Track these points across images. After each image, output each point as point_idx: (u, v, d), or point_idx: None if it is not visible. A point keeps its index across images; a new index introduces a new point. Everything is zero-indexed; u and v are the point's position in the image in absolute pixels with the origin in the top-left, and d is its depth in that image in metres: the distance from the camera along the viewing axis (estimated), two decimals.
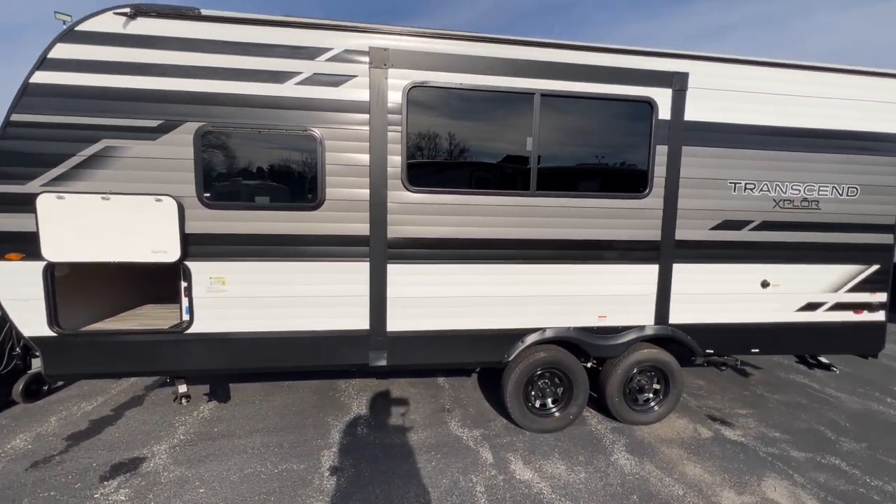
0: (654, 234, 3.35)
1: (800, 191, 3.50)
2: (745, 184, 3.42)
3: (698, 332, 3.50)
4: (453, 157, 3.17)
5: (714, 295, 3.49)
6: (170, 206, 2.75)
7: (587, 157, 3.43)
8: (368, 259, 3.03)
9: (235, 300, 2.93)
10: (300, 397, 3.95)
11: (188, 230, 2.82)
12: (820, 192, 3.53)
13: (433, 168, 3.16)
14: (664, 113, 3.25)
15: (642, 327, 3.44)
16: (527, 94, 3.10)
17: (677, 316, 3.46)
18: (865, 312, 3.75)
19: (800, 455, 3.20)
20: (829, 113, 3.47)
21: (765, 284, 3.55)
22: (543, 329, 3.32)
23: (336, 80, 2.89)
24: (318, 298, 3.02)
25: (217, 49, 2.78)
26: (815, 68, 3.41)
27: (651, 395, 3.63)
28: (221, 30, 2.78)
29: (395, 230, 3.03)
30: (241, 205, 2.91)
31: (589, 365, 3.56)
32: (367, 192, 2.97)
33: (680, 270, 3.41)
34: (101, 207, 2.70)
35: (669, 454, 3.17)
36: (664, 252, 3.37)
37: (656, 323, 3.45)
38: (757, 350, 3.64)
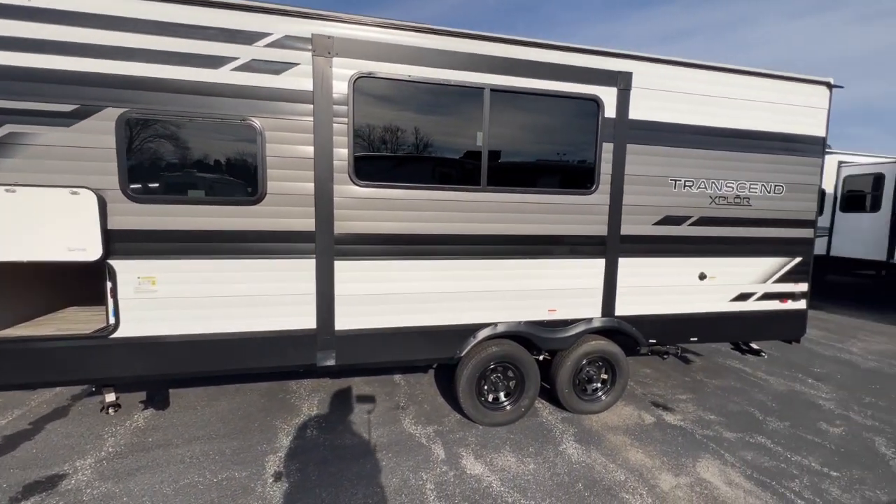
0: (601, 229, 3.45)
1: (733, 188, 3.72)
2: (685, 181, 3.59)
3: (642, 323, 3.66)
4: (403, 150, 3.10)
5: (656, 287, 3.65)
6: (88, 199, 2.51)
7: (537, 153, 3.46)
8: (314, 256, 2.91)
9: (168, 301, 2.73)
10: (247, 401, 3.77)
11: (111, 226, 2.59)
12: (751, 190, 3.77)
13: (382, 162, 3.08)
14: (610, 111, 3.33)
15: (590, 320, 3.54)
16: (477, 89, 3.08)
17: (623, 308, 3.59)
18: (790, 301, 4.06)
19: (731, 436, 3.42)
20: (759, 115, 3.70)
21: (702, 277, 3.76)
22: (495, 324, 3.34)
23: (276, 68, 2.74)
24: (260, 298, 2.87)
25: (142, 29, 2.55)
26: (745, 73, 3.61)
27: (599, 385, 3.75)
28: (147, 7, 2.55)
29: (342, 226, 2.93)
30: (173, 198, 2.70)
31: (541, 358, 3.64)
32: (311, 185, 2.85)
33: (625, 264, 3.54)
34: (5, 201, 2.42)
35: (615, 441, 3.29)
36: (610, 246, 3.48)
37: (603, 315, 3.56)
38: (696, 339, 3.86)
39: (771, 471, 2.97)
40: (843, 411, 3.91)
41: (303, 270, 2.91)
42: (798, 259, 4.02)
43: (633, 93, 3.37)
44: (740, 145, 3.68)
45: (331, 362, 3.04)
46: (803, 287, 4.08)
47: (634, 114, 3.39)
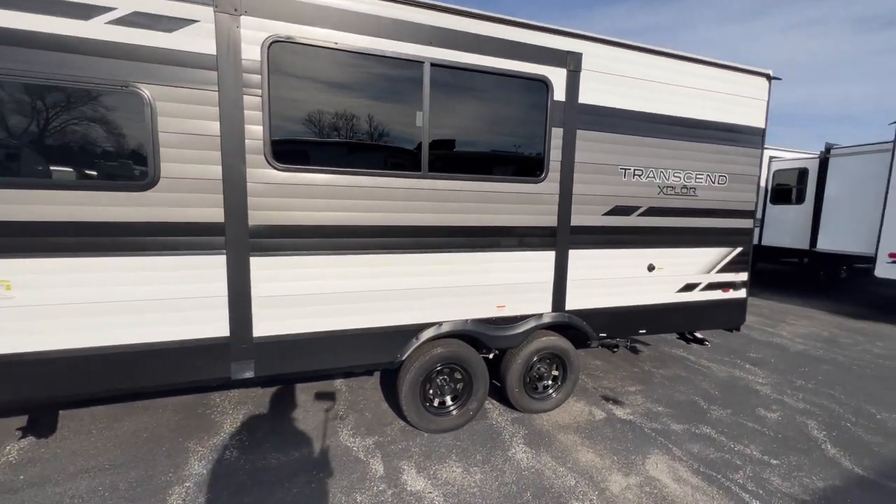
0: (551, 219, 3.26)
1: (680, 178, 3.67)
2: (634, 170, 3.48)
3: (593, 317, 3.54)
4: (331, 130, 2.71)
5: (607, 280, 3.54)
6: None
7: (484, 137, 3.19)
8: (224, 251, 2.48)
9: (29, 310, 2.20)
10: (157, 420, 3.26)
11: None
12: (696, 180, 3.74)
13: (306, 142, 2.68)
14: (559, 94, 3.13)
15: (540, 315, 3.37)
16: (415, 63, 2.75)
17: (573, 302, 3.44)
18: (732, 291, 4.12)
19: (678, 427, 3.40)
20: (705, 104, 3.66)
21: (651, 268, 3.69)
22: (440, 323, 3.07)
23: (167, 25, 2.26)
24: (156, 302, 2.41)
25: None
26: (693, 60, 3.55)
27: (550, 383, 3.61)
28: None
29: (258, 216, 2.52)
30: (31, 182, 2.16)
31: (490, 356, 3.43)
32: (218, 168, 2.41)
33: (575, 256, 3.38)
34: None
35: (565, 441, 3.15)
36: (560, 238, 3.31)
37: (553, 310, 3.40)
38: (644, 331, 3.81)
39: (716, 463, 2.94)
40: (779, 395, 4.05)
41: (211, 268, 2.47)
42: (739, 249, 4.08)
43: (583, 75, 3.19)
44: (687, 134, 3.63)
45: (249, 374, 2.63)
46: (744, 276, 4.16)
47: (584, 98, 3.22)
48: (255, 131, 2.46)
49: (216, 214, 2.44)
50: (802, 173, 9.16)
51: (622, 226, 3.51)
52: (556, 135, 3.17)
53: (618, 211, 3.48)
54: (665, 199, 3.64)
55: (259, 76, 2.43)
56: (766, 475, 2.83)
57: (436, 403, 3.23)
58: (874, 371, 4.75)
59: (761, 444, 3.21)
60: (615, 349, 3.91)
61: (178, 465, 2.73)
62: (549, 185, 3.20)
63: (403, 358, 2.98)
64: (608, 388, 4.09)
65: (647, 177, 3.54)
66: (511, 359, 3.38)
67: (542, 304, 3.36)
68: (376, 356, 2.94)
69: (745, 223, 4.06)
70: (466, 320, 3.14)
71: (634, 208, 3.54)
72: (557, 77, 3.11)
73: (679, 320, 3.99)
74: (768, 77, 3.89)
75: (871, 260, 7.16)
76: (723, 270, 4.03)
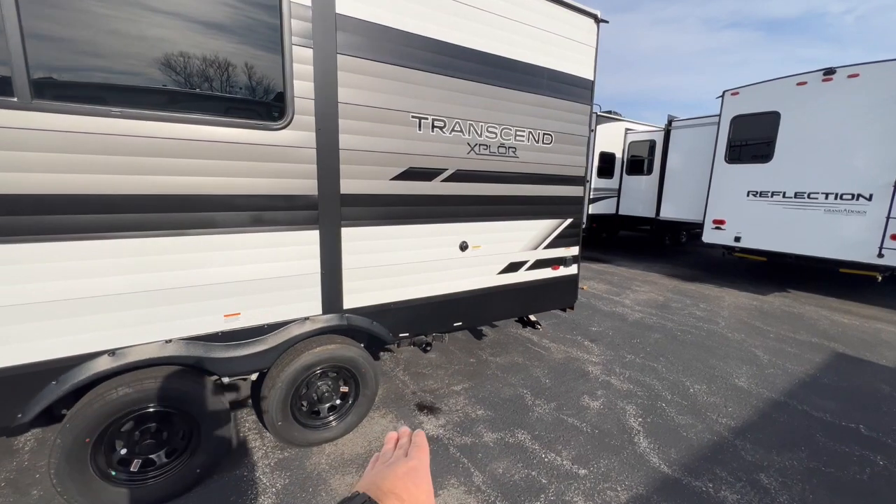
0: (307, 185, 2.28)
1: (496, 134, 2.96)
2: (433, 120, 2.65)
3: (387, 314, 2.72)
4: None
5: (403, 265, 2.73)
6: None
7: (165, 49, 1.99)
8: None
9: None
10: None
11: None
12: (517, 138, 3.08)
13: None
14: None
15: (304, 320, 2.43)
16: None
17: (354, 298, 2.57)
18: (562, 268, 3.68)
19: (491, 438, 2.82)
20: (529, 43, 2.96)
21: (464, 247, 2.99)
22: (112, 351, 1.93)
23: None
24: None
25: None
26: None
27: (339, 402, 2.75)
28: None
29: None
30: None
31: (254, 377, 2.43)
32: None
33: (353, 236, 2.48)
34: None
35: (338, 489, 2.32)
36: (326, 212, 2.36)
37: (325, 311, 2.49)
38: (460, 323, 3.14)
39: (518, 487, 2.38)
40: (606, 377, 3.78)
41: None
42: (569, 220, 3.61)
43: None
44: (504, 78, 2.91)
45: None
46: (574, 251, 3.74)
47: (345, 7, 2.23)
48: None
49: None
50: (652, 145, 9.67)
51: (421, 194, 2.70)
52: (303, 59, 2.14)
53: (413, 174, 2.64)
54: (478, 161, 2.92)
55: None
56: (569, 496, 2.34)
57: (133, 469, 2.12)
58: (694, 336, 4.89)
59: (576, 446, 2.78)
60: (427, 348, 3.20)
61: None
62: (298, 134, 2.19)
63: (31, 418, 1.79)
64: (430, 391, 3.40)
65: (453, 130, 2.75)
66: (270, 383, 2.41)
67: (306, 305, 2.42)
68: None
69: (575, 191, 3.59)
70: (170, 341, 2.05)
71: (437, 171, 2.74)
72: None
73: (504, 307, 3.42)
74: (596, 18, 3.34)
75: (702, 226, 7.75)
76: (551, 245, 3.53)
